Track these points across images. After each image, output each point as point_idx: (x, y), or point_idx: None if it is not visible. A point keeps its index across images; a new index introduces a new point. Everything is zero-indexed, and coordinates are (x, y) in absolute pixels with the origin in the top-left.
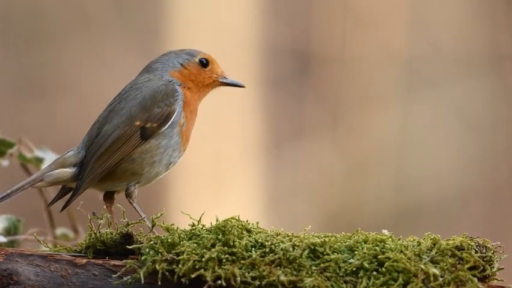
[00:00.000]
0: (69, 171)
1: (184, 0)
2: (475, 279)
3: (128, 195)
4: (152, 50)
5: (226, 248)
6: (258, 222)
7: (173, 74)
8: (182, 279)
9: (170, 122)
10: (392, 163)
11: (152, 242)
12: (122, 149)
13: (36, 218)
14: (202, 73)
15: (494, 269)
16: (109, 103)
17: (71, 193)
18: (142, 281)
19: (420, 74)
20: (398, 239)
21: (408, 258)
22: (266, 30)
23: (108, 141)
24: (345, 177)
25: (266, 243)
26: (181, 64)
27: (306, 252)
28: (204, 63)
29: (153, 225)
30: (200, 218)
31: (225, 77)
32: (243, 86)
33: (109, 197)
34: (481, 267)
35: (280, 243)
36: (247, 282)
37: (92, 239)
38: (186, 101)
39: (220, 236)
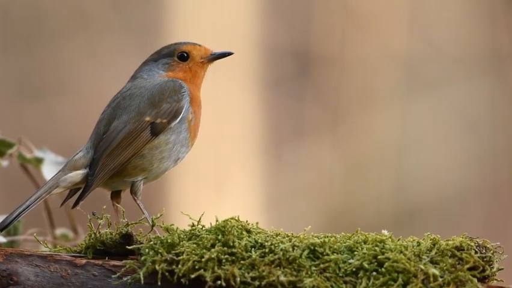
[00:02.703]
0: (81, 172)
1: (184, 0)
2: (475, 280)
3: (134, 191)
4: (152, 50)
5: (225, 248)
6: (257, 223)
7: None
8: (182, 280)
9: (180, 118)
10: (392, 163)
11: (152, 242)
12: (133, 144)
13: (36, 218)
14: (186, 67)
15: (494, 270)
16: (110, 101)
17: (80, 191)
18: (142, 282)
19: (420, 74)
20: (398, 240)
21: (408, 259)
22: (266, 30)
23: (119, 137)
24: (345, 177)
25: (266, 243)
26: (165, 70)
27: (306, 252)
28: (184, 56)
29: (153, 225)
30: (200, 218)
31: (211, 53)
32: (231, 53)
33: (115, 196)
34: (481, 268)
35: (280, 244)
36: (247, 283)
37: (92, 239)
38: (192, 97)
39: (219, 237)
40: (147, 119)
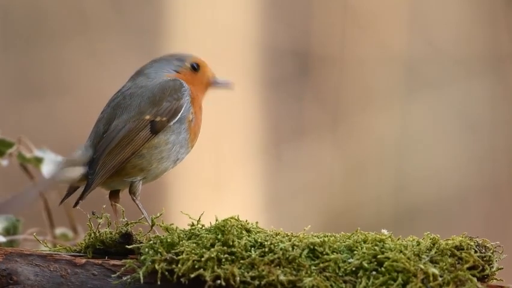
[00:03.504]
0: (80, 170)
1: (183, 0)
2: (474, 279)
3: (132, 191)
4: (152, 50)
5: (225, 247)
6: (257, 222)
7: (169, 77)
8: (181, 279)
9: (179, 116)
10: (392, 163)
11: (151, 242)
12: (133, 143)
13: (36, 217)
14: (195, 78)
15: (494, 269)
16: (109, 100)
17: (82, 190)
18: (142, 281)
19: (420, 74)
20: (398, 239)
21: (408, 258)
22: (266, 30)
23: (119, 136)
24: (345, 177)
25: (265, 243)
26: (175, 70)
27: (306, 252)
28: (195, 67)
29: (153, 225)
30: (199, 218)
31: (215, 79)
32: (232, 87)
33: (114, 195)
34: (480, 267)
35: (280, 243)
36: (247, 282)
37: (92, 238)
38: (193, 97)
39: (219, 236)
40: (147, 117)
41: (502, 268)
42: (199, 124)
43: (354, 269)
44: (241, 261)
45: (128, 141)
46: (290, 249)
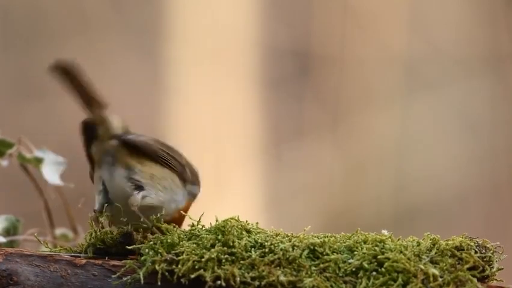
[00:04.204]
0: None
1: (183, 0)
2: (475, 280)
3: (131, 203)
4: (152, 50)
5: (225, 248)
6: (257, 223)
7: None
8: (181, 280)
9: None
10: (392, 163)
11: (151, 242)
12: None
13: (36, 218)
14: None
15: (494, 269)
16: None
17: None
18: (142, 281)
19: (420, 75)
20: (398, 239)
21: (408, 259)
22: (266, 30)
23: None
24: (345, 177)
25: (266, 243)
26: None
27: (306, 252)
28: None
29: (153, 226)
30: (199, 219)
31: None
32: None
33: None
34: (481, 268)
35: (280, 244)
36: (247, 283)
37: (93, 238)
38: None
39: (219, 237)
40: None
41: (502, 268)
42: (182, 220)
43: (354, 269)
44: (242, 261)
45: None
46: (290, 249)
